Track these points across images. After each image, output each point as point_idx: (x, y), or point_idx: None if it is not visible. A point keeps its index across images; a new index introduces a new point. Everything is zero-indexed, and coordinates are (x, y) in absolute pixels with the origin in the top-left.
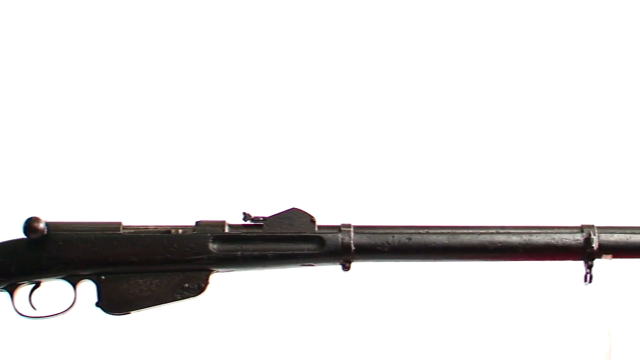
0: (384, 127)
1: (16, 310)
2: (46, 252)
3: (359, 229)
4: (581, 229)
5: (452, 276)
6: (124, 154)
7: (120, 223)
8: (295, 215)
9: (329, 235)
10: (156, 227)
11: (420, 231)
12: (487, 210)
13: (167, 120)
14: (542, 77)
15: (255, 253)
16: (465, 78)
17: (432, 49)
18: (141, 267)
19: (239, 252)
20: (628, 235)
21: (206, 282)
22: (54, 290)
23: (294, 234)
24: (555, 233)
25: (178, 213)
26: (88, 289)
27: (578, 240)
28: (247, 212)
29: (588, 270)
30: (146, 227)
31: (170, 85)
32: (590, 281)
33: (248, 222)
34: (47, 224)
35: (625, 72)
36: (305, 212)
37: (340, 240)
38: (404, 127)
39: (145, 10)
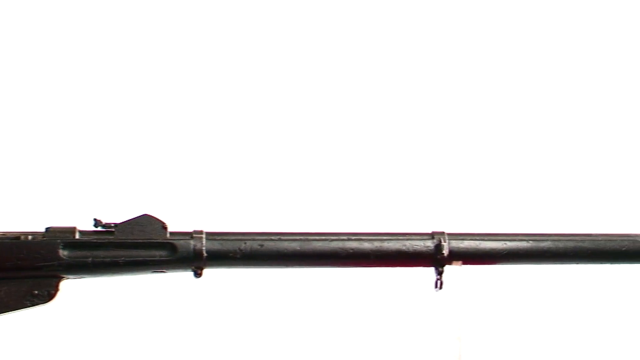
0: (237, 133)
1: None
2: None
3: (210, 236)
4: (432, 235)
5: (306, 280)
6: None
7: None
8: (146, 222)
9: (181, 241)
10: (5, 233)
11: (273, 238)
12: (340, 216)
13: (22, 126)
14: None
15: (107, 259)
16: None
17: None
18: None
19: (90, 259)
20: (478, 242)
21: (56, 289)
22: None
23: (145, 241)
24: (407, 239)
25: (27, 219)
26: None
27: (429, 246)
28: (98, 218)
29: (438, 277)
30: None
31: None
32: (440, 287)
33: (99, 229)
34: None
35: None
36: (157, 219)
37: (192, 246)
38: (256, 133)
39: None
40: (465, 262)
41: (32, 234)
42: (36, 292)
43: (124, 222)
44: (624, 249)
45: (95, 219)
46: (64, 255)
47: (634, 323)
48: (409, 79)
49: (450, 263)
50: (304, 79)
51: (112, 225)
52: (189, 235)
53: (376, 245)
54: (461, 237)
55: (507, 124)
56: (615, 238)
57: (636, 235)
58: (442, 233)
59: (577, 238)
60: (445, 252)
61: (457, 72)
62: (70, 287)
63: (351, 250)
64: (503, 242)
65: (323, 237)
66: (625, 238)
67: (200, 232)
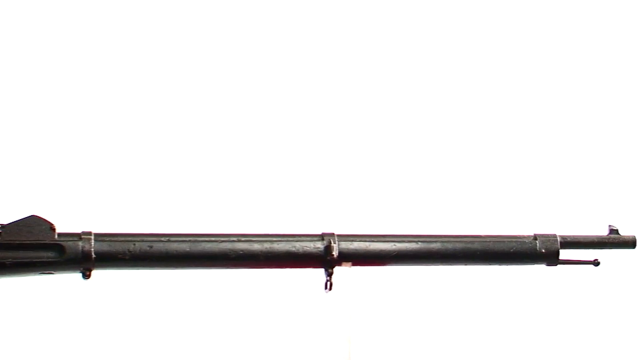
0: (125, 132)
1: None
2: None
3: (99, 237)
4: (322, 236)
5: (195, 280)
6: None
7: None
8: (34, 223)
9: (69, 243)
10: None
11: (162, 239)
12: (230, 217)
13: None
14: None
15: None
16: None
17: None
18: None
19: None
20: (367, 244)
21: None
22: None
23: (32, 242)
24: (297, 241)
25: None
26: None
27: (318, 248)
28: None
29: (328, 278)
30: None
31: None
32: (330, 288)
33: None
34: None
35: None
36: (45, 220)
37: (80, 248)
38: (143, 132)
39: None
40: (355, 264)
41: None
42: None
43: (11, 223)
44: (512, 250)
45: None
46: None
47: (520, 319)
48: (293, 81)
49: (340, 264)
50: (198, 82)
51: None
52: (78, 236)
53: (266, 246)
54: (351, 239)
55: (396, 126)
56: (503, 239)
57: (524, 237)
58: (332, 234)
59: (466, 239)
60: (335, 253)
61: (343, 74)
62: None
63: (241, 252)
64: (392, 244)
65: (212, 239)
66: (514, 239)
67: (89, 233)
